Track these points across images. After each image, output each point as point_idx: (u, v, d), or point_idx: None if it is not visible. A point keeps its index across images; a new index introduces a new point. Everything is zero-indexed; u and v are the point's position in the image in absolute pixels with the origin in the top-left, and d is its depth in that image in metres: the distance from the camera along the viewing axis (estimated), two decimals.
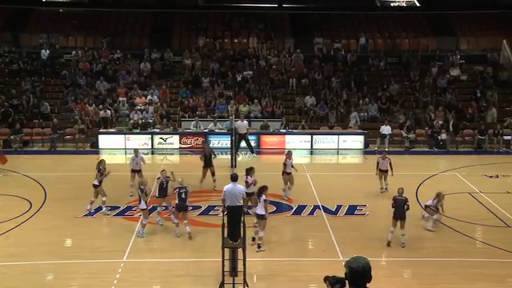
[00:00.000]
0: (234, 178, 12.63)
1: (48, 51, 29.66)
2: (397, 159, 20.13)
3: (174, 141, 24.99)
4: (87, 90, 27.73)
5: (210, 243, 13.55)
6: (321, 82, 28.89)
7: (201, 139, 24.56)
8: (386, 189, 17.92)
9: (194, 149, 24.30)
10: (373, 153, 23.61)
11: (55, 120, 25.52)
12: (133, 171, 17.64)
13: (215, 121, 25.76)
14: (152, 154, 24.58)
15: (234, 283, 11.30)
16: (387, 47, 31.38)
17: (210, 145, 22.66)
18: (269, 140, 25.40)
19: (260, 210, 13.59)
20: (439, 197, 15.20)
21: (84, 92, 27.61)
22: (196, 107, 27.11)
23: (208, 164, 18.30)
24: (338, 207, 16.82)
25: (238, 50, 30.66)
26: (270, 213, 14.81)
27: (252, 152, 23.88)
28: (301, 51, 30.14)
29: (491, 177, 20.58)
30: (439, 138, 25.29)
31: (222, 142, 24.85)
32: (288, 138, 25.23)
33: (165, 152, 24.83)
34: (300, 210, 16.70)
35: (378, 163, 17.94)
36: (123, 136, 24.85)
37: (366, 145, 25.33)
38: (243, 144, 23.67)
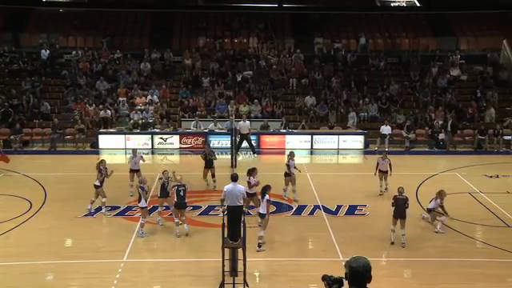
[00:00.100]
0: (235, 178, 12.65)
1: (48, 51, 29.63)
2: (397, 159, 20.15)
3: (174, 141, 24.99)
4: (87, 90, 27.73)
5: (210, 243, 13.55)
6: (321, 82, 28.89)
7: (201, 139, 24.60)
8: (386, 189, 17.91)
9: (194, 149, 24.31)
10: (373, 153, 23.63)
11: (55, 120, 25.52)
12: (131, 171, 17.70)
13: (215, 121, 25.75)
14: (152, 154, 24.57)
15: (234, 283, 11.30)
16: (387, 47, 31.37)
17: (210, 145, 22.63)
18: (269, 140, 25.40)
19: (262, 209, 13.65)
20: (441, 194, 15.14)
21: (84, 92, 27.61)
22: (196, 107, 27.11)
23: (208, 165, 18.31)
24: (338, 207, 16.82)
25: (238, 49, 30.65)
26: (270, 213, 14.77)
27: (254, 152, 23.87)
28: (301, 51, 30.13)
29: (491, 177, 20.58)
30: (439, 137, 25.31)
31: (222, 142, 24.86)
32: (288, 138, 25.24)
33: (165, 152, 24.82)
34: (300, 210, 16.69)
35: (377, 164, 17.93)
36: (123, 136, 24.86)
37: (366, 145, 25.34)
38: (245, 144, 23.68)
